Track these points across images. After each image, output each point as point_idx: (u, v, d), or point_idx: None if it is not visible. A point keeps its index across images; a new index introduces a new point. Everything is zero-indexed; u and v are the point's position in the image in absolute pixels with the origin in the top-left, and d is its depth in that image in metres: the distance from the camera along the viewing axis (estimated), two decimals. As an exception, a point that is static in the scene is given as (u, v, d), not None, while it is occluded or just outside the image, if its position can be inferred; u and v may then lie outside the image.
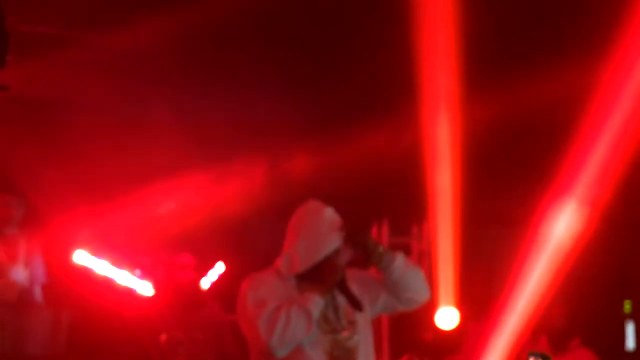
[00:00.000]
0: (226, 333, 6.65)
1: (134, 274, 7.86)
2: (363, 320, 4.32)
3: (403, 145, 8.39)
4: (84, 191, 8.43)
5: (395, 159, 8.29)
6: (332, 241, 4.25)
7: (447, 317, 7.94)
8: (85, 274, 7.87)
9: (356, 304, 4.27)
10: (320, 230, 4.26)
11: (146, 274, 7.87)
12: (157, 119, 8.45)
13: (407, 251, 8.10)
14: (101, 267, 7.91)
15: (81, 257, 7.93)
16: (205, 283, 8.42)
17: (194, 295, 6.50)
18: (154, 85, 8.35)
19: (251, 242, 8.40)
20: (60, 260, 7.92)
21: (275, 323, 4.07)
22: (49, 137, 8.50)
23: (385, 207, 8.32)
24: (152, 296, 7.33)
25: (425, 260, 8.04)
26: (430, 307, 7.93)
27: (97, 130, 8.30)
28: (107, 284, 7.87)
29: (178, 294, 6.46)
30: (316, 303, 4.15)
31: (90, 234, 8.08)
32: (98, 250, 7.96)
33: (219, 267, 8.37)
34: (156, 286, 7.51)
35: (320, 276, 4.22)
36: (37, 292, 7.59)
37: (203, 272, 8.30)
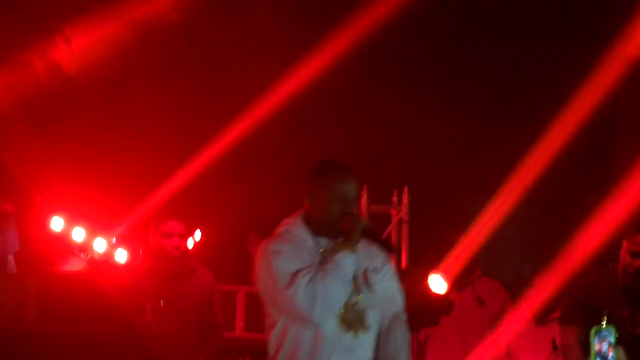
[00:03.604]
0: (215, 301, 6.56)
1: (110, 242, 7.79)
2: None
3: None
4: (64, 162, 8.38)
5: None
6: (351, 190, 4.16)
7: (437, 284, 7.89)
8: (61, 241, 7.81)
9: (386, 245, 4.33)
10: (340, 182, 4.16)
11: (122, 241, 7.80)
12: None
13: (386, 220, 8.07)
14: (78, 234, 7.84)
15: (58, 224, 7.85)
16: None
17: (182, 264, 6.36)
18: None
19: (228, 210, 8.33)
20: (37, 227, 7.85)
21: (314, 295, 4.00)
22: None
23: (365, 175, 8.21)
24: (128, 264, 7.25)
25: (405, 229, 7.97)
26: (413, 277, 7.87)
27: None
28: (83, 252, 7.80)
29: (165, 262, 6.32)
30: (349, 263, 4.06)
31: (67, 201, 8.02)
32: (75, 217, 7.88)
33: (197, 235, 8.29)
34: (135, 254, 7.44)
35: (345, 230, 4.11)
36: (10, 261, 7.51)
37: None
